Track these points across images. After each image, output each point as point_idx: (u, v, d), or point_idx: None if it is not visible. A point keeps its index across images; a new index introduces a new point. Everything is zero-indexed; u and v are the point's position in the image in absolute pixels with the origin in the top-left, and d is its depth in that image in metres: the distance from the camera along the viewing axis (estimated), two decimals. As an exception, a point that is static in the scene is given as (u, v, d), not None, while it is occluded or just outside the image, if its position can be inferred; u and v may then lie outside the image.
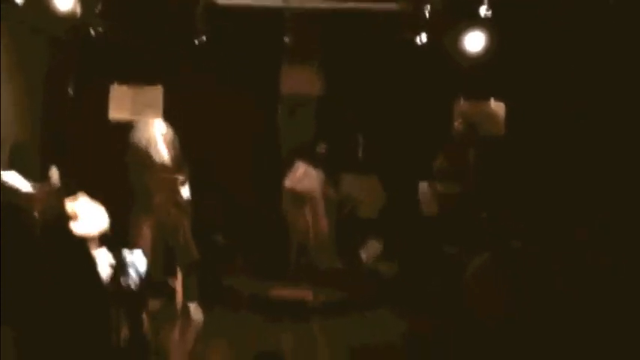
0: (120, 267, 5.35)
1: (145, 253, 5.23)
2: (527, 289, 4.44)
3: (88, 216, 6.07)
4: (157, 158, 5.40)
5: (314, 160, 7.80)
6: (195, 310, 6.07)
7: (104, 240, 5.92)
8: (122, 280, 5.26)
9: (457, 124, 7.38)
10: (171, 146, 5.46)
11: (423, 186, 7.13)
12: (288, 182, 7.64)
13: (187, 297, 6.08)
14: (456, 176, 6.99)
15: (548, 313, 4.42)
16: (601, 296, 4.45)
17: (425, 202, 7.15)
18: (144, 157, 5.34)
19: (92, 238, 5.63)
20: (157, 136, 5.41)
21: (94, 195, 6.25)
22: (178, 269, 6.66)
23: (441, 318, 6.12)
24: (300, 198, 7.73)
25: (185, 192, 6.08)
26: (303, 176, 7.69)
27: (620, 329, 4.39)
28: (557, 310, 4.41)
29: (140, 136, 5.41)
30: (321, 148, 7.86)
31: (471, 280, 4.90)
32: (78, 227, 5.92)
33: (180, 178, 5.59)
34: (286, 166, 7.97)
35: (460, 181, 6.98)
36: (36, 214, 5.63)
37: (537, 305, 4.42)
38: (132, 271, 5.16)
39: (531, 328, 4.45)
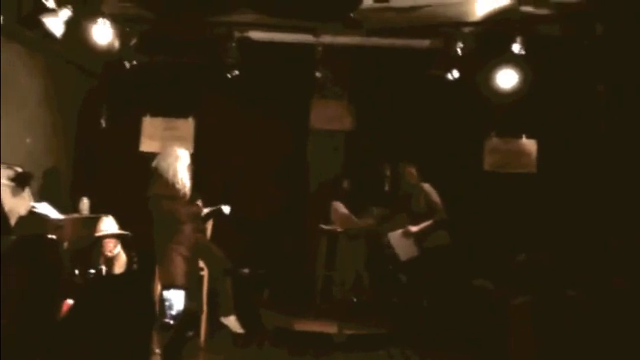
0: (160, 306, 5.31)
1: (183, 287, 5.19)
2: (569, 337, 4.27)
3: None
4: (182, 189, 5.37)
5: (343, 195, 7.80)
6: (234, 324, 5.93)
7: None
8: (160, 318, 5.22)
9: None
10: (190, 177, 5.44)
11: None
12: (336, 222, 7.69)
13: (224, 312, 5.95)
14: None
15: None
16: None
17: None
18: (171, 188, 5.31)
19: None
20: (182, 166, 5.38)
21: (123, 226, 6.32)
22: (204, 300, 6.65)
23: (469, 354, 6.03)
24: (334, 234, 7.74)
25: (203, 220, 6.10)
26: (344, 216, 7.70)
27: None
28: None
29: (166, 167, 5.37)
30: (348, 183, 7.86)
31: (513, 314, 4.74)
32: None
33: (200, 207, 5.60)
34: (314, 200, 7.96)
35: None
36: (65, 244, 5.69)
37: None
38: (169, 310, 5.14)
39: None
